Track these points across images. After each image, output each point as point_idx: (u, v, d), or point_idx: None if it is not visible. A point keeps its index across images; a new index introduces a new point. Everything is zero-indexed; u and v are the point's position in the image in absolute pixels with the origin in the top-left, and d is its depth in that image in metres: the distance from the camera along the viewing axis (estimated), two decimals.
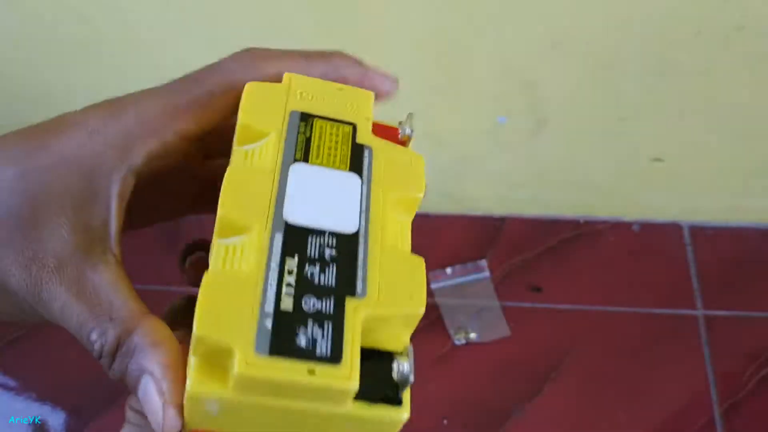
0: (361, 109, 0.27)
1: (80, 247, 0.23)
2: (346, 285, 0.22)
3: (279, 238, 0.22)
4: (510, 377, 0.83)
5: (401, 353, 0.22)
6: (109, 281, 0.23)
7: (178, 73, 0.26)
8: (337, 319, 0.21)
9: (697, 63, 0.72)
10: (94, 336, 0.22)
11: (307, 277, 0.21)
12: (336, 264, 0.22)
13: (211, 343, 0.20)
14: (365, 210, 0.24)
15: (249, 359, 0.19)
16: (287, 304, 0.21)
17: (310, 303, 0.21)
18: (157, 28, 0.72)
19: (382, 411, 0.21)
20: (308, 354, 0.20)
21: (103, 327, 0.22)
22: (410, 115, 0.27)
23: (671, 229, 0.94)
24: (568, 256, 0.92)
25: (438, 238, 0.91)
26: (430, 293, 0.87)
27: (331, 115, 0.26)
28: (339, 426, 0.21)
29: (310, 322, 0.21)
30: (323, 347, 0.20)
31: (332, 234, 0.23)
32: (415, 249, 0.25)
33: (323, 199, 0.23)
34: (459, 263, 0.90)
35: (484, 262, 0.90)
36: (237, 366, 0.19)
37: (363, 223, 0.23)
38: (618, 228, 0.94)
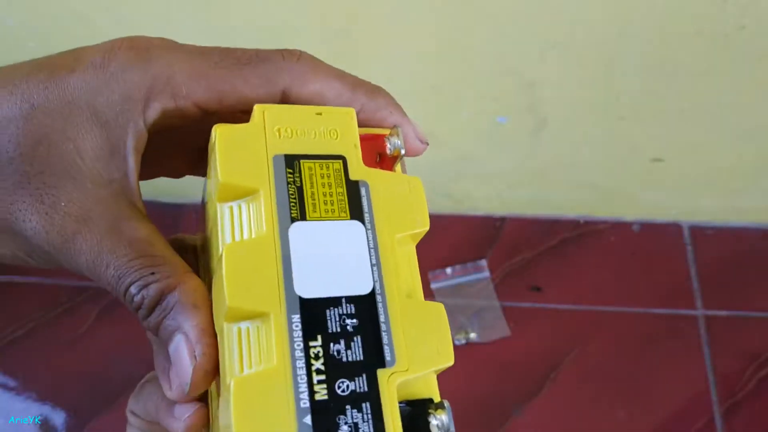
0: (346, 134, 0.25)
1: (106, 199, 0.23)
2: (375, 356, 0.21)
3: (297, 320, 0.21)
4: (510, 377, 0.83)
5: (438, 406, 0.22)
6: (145, 235, 0.23)
7: None
8: (373, 396, 0.21)
9: (697, 63, 0.72)
10: (134, 289, 0.22)
11: (334, 356, 0.21)
12: (360, 335, 0.21)
13: None
14: (376, 262, 0.23)
15: None
16: (321, 393, 0.20)
17: (344, 386, 0.21)
18: (156, 28, 0.72)
19: None
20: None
21: (145, 280, 0.22)
22: (397, 129, 0.25)
23: (671, 228, 0.94)
24: (568, 256, 0.92)
25: (438, 238, 0.91)
26: (430, 293, 0.87)
27: (317, 151, 0.24)
28: None
29: (348, 408, 0.20)
30: (366, 431, 0.20)
31: (349, 300, 0.22)
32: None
33: (331, 260, 0.22)
34: (459, 263, 0.90)
35: (484, 262, 0.90)
36: None
37: (377, 277, 0.22)
38: (618, 228, 0.94)
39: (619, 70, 0.73)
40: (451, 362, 0.22)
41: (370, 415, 0.20)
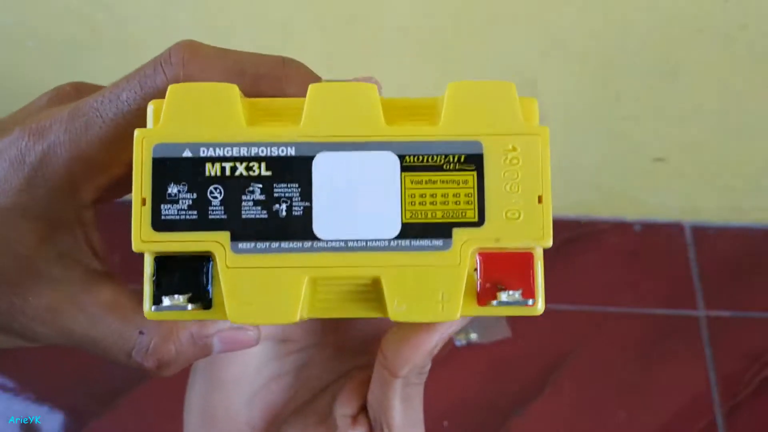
0: None
1: (75, 295, 0.23)
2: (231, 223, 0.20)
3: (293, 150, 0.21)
4: (510, 377, 0.83)
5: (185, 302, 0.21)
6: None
7: None
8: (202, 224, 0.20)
9: (698, 62, 0.72)
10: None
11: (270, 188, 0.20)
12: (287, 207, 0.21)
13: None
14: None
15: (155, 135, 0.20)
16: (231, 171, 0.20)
17: (249, 200, 0.20)
18: (154, 27, 0.72)
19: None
20: (163, 198, 0.20)
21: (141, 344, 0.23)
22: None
23: (673, 229, 0.93)
24: (568, 256, 0.91)
25: None
26: None
27: None
28: None
29: (209, 198, 0.20)
30: (172, 212, 0.20)
31: (302, 205, 0.21)
32: None
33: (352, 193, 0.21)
34: None
35: None
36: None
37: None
38: (619, 228, 0.93)
39: (620, 69, 0.73)
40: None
41: (188, 215, 0.20)
